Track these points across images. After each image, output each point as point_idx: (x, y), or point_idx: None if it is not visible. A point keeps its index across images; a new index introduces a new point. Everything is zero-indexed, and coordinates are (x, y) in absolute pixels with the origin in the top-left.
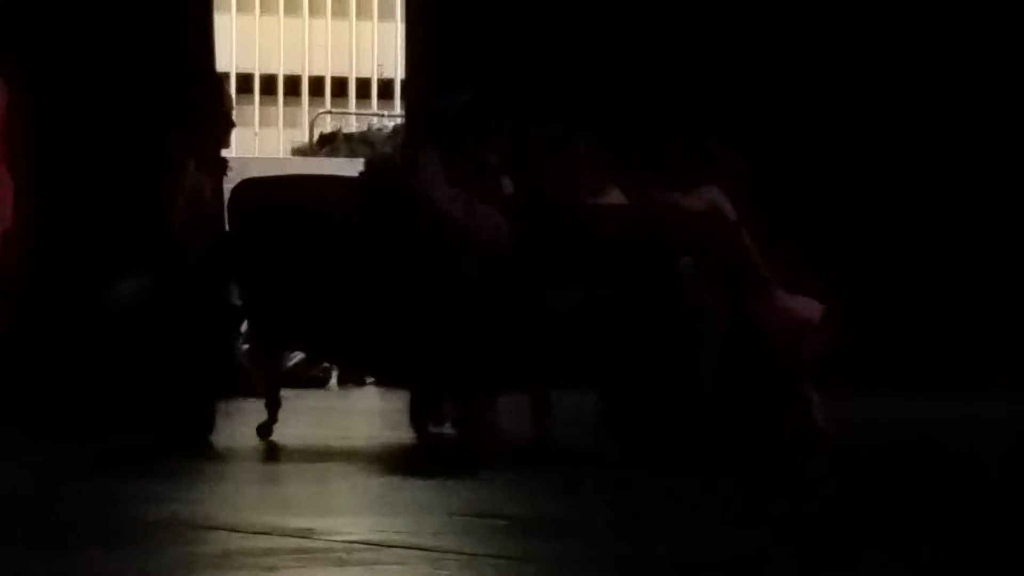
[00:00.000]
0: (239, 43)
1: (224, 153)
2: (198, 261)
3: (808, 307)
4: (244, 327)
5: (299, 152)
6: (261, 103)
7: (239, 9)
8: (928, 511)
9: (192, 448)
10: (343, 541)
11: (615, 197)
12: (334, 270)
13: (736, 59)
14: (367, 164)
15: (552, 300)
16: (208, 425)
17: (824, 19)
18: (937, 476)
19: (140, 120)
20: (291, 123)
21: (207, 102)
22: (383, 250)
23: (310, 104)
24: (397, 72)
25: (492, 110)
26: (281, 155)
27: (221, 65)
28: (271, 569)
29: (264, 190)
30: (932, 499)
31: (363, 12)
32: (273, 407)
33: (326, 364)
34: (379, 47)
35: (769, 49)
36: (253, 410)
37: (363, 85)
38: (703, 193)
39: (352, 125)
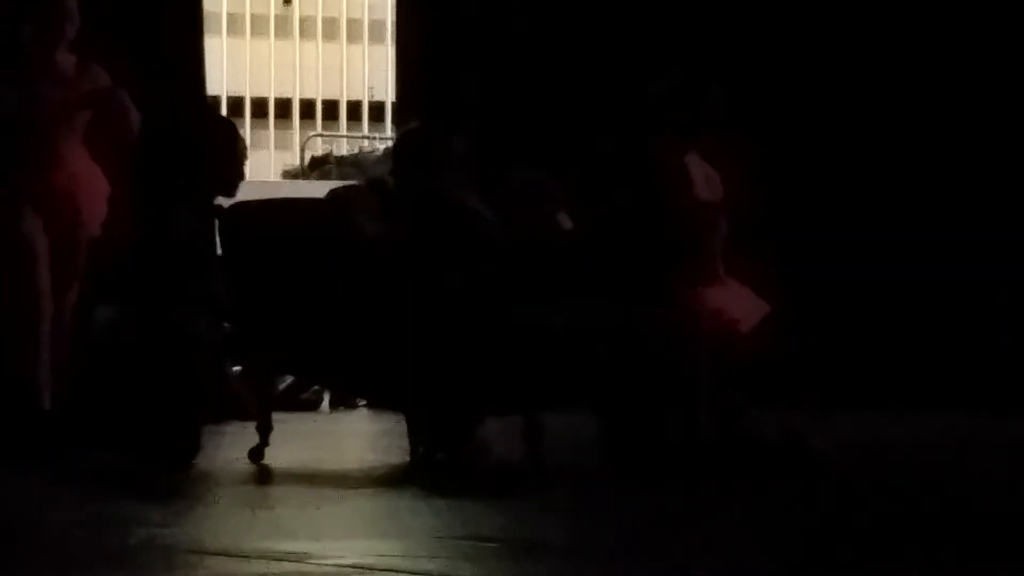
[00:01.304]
0: (230, 66)
1: None
2: (187, 285)
3: (744, 306)
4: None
5: (290, 175)
6: (252, 126)
7: (230, 32)
8: (911, 530)
9: (178, 472)
10: (336, 565)
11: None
12: (325, 293)
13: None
14: (370, 182)
15: (543, 321)
16: (194, 448)
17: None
18: (913, 494)
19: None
20: (282, 146)
21: (220, 149)
22: (374, 273)
23: (301, 127)
24: (388, 95)
25: (444, 138)
26: (272, 178)
27: (212, 88)
28: None
29: (255, 213)
30: (914, 518)
31: (354, 35)
32: (265, 430)
33: (317, 387)
34: (370, 70)
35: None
36: (245, 433)
37: (354, 108)
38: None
39: (343, 148)
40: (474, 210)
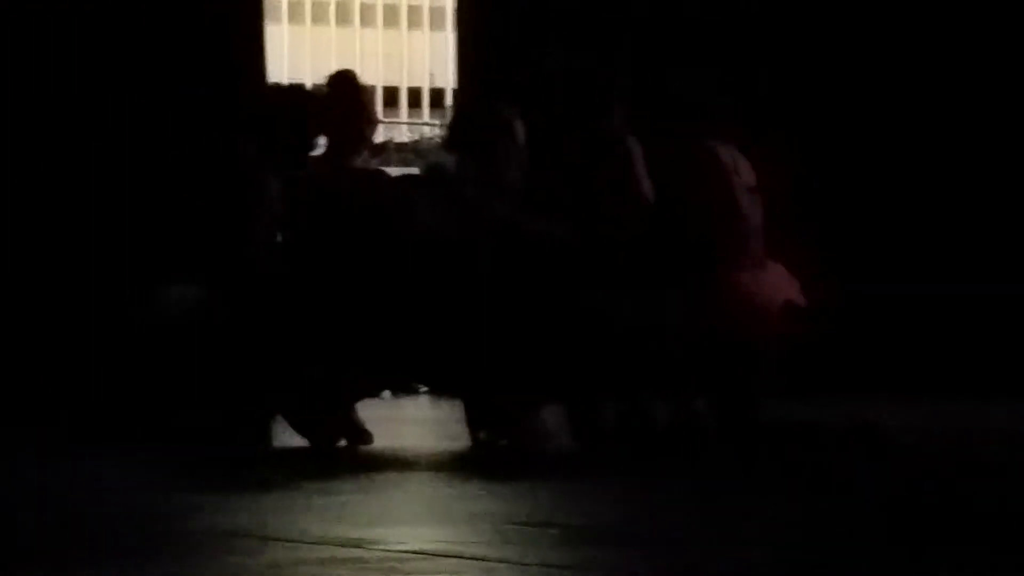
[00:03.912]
0: (291, 53)
1: None
2: (264, 272)
3: (779, 288)
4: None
5: None
6: None
7: (291, 20)
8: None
9: (240, 457)
10: (397, 551)
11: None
12: (385, 279)
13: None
14: (428, 168)
15: (601, 308)
16: (257, 434)
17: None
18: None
19: (196, 126)
20: None
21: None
22: (432, 258)
23: None
24: (448, 82)
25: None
26: None
27: (273, 75)
28: None
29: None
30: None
31: (414, 22)
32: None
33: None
34: (431, 57)
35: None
36: None
37: (414, 94)
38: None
39: (404, 135)
40: (530, 198)
